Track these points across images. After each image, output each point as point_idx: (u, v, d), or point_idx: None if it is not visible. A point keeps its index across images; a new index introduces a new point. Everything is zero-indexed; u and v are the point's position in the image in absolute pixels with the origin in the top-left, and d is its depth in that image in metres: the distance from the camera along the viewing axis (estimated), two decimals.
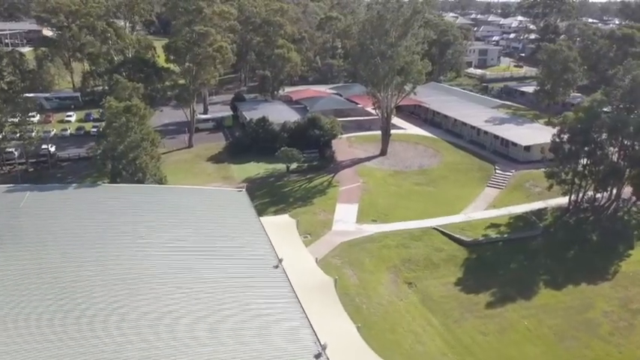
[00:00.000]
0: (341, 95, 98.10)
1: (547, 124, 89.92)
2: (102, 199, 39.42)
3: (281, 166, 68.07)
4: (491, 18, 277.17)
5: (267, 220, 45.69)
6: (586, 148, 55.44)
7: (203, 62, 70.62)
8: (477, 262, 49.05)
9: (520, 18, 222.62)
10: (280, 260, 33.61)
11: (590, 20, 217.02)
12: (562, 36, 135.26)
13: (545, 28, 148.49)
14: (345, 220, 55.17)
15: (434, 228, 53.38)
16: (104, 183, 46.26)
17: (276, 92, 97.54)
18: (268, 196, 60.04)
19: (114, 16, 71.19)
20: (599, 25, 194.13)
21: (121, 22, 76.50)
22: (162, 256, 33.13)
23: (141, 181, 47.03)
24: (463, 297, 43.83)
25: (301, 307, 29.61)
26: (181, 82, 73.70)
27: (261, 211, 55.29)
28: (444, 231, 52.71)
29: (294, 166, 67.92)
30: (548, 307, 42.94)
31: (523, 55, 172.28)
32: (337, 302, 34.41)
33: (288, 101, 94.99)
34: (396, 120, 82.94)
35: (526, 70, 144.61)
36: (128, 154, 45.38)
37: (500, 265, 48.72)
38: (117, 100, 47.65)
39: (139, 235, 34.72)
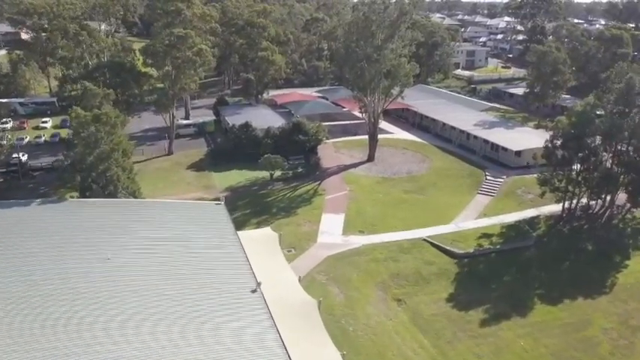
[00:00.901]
0: (327, 99, 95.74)
1: (537, 126, 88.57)
2: (67, 216, 36.50)
3: (264, 174, 65.43)
4: (478, 19, 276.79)
5: (248, 235, 43.08)
6: (580, 155, 53.49)
7: (182, 66, 67.77)
8: (468, 275, 46.77)
9: (507, 19, 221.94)
10: (258, 284, 30.97)
11: (575, 21, 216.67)
12: (550, 37, 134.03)
13: (532, 29, 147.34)
14: (331, 231, 52.66)
15: (424, 239, 51.06)
16: (72, 197, 43.24)
17: (260, 96, 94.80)
18: (250, 207, 57.34)
19: (89, 18, 67.78)
20: (585, 25, 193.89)
21: (100, 25, 73.19)
22: (127, 279, 30.33)
23: (112, 195, 44.11)
24: (455, 315, 41.45)
25: (280, 337, 27.02)
26: (160, 85, 70.62)
27: (242, 223, 52.80)
28: (434, 242, 50.39)
29: (278, 173, 65.33)
30: (544, 324, 40.71)
31: (510, 56, 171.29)
32: (321, 327, 31.92)
33: (273, 105, 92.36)
34: (383, 124, 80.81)
35: (514, 72, 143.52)
36: (98, 166, 42.43)
37: (493, 279, 46.46)
38: (85, 109, 44.70)
39: (104, 257, 31.88)
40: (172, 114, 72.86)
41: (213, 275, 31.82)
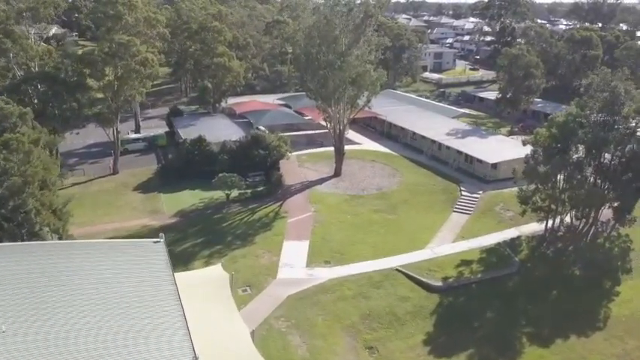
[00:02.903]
0: (290, 107, 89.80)
1: (510, 133, 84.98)
2: None
3: (220, 194, 59.01)
4: (443, 20, 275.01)
5: (192, 277, 36.99)
6: (564, 171, 48.94)
7: (125, 76, 60.67)
8: (448, 312, 41.57)
9: (472, 19, 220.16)
10: (196, 358, 24.72)
11: (538, 21, 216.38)
12: (519, 39, 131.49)
13: (502, 31, 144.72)
14: (293, 263, 46.65)
15: (396, 269, 45.60)
16: None
17: (217, 105, 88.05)
18: (202, 235, 50.86)
19: (16, 22, 60.09)
20: (548, 26, 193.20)
21: (28, 31, 65.29)
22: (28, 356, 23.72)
23: (31, 234, 37.13)
24: None
25: None
26: (100, 96, 63.31)
27: (191, 257, 46.54)
28: (409, 273, 44.96)
29: (235, 193, 58.97)
30: None
31: (478, 57, 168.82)
32: None
33: (232, 115, 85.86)
34: (350, 134, 75.39)
35: (483, 74, 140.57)
36: (8, 201, 35.44)
37: (476, 315, 41.38)
38: None
39: None
40: (116, 129, 65.61)
41: (138, 347, 25.38)
